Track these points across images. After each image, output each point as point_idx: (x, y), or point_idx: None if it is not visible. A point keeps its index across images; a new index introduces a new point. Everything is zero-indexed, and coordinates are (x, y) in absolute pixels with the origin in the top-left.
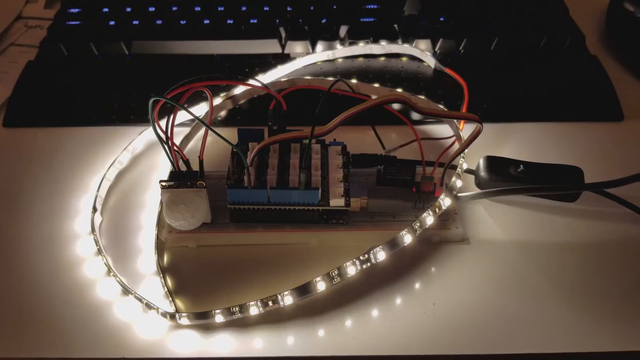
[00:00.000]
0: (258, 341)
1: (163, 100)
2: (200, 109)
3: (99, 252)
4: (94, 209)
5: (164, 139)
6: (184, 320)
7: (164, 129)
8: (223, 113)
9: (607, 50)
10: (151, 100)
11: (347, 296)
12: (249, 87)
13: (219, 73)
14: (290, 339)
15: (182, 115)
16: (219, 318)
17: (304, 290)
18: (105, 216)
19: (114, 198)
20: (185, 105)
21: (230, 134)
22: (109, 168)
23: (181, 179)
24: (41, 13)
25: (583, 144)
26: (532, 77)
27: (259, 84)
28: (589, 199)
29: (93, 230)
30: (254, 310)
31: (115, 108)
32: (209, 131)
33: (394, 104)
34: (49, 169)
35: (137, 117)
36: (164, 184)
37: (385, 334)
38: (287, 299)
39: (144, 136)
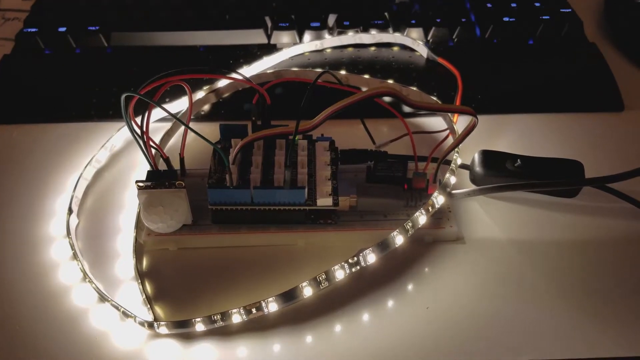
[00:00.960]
0: (242, 350)
1: (137, 97)
2: (182, 103)
3: (74, 256)
4: (70, 211)
5: (140, 137)
6: (163, 329)
7: (140, 125)
8: (206, 107)
9: (606, 37)
10: (123, 97)
11: (336, 301)
12: (232, 81)
13: (202, 65)
14: (276, 347)
15: (161, 111)
16: (200, 327)
17: (289, 296)
18: (82, 218)
19: (91, 198)
20: (167, 100)
21: (214, 129)
22: (85, 167)
23: (159, 178)
24: (19, 5)
25: (582, 136)
26: (528, 66)
27: (240, 77)
28: (590, 194)
29: (68, 233)
30: (237, 318)
31: (93, 103)
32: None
33: (387, 97)
34: (23, 168)
35: (116, 112)
36: (140, 184)
37: (376, 341)
38: (272, 306)
39: (123, 133)
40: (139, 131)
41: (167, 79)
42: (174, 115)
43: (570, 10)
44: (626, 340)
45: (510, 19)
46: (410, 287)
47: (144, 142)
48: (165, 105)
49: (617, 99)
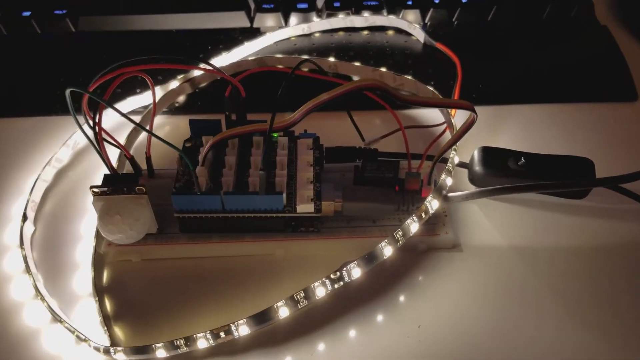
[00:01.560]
0: None
1: (87, 95)
2: (150, 96)
3: (27, 269)
4: (24, 217)
5: (92, 137)
6: (120, 356)
7: (94, 122)
8: (181, 98)
9: (619, 19)
10: (68, 92)
11: (316, 319)
12: (202, 71)
13: (176, 52)
14: None
15: (130, 102)
16: (161, 353)
17: (262, 318)
18: (40, 225)
19: (50, 203)
20: (138, 91)
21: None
22: (44, 167)
23: (117, 183)
24: None
25: (592, 129)
26: (534, 52)
27: (209, 67)
28: (600, 194)
29: (22, 243)
30: (203, 343)
31: (57, 95)
32: (157, 119)
33: (371, 90)
34: None
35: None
36: (95, 190)
37: None
38: (243, 329)
39: (88, 128)
40: (93, 130)
41: (123, 70)
42: (125, 116)
43: None
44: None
45: (515, 1)
46: (401, 300)
47: (98, 142)
48: (134, 97)
49: (630, 88)
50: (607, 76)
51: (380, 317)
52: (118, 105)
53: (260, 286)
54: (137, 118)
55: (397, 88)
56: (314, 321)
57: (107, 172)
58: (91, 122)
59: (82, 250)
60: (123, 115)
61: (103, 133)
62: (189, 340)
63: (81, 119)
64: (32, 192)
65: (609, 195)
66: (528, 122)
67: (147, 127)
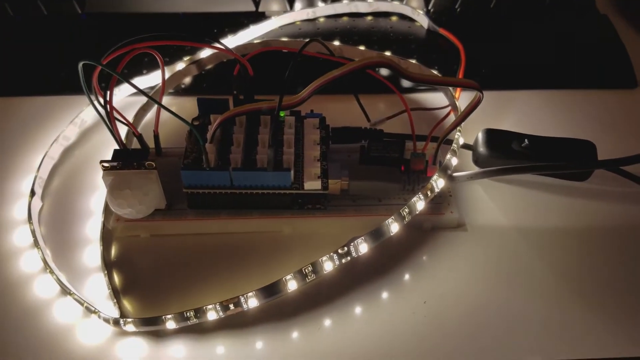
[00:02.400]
0: (219, 349)
1: (99, 68)
2: (158, 75)
3: (35, 243)
4: (32, 193)
5: (103, 112)
6: (130, 327)
7: (105, 98)
8: (187, 80)
9: (619, 8)
10: (81, 65)
11: (324, 294)
12: (215, 51)
13: (180, 32)
14: (258, 345)
15: (137, 83)
16: (171, 324)
17: (271, 290)
18: (47, 201)
19: (58, 180)
20: (144, 72)
21: (195, 103)
22: (52, 144)
23: (127, 158)
24: None
25: (594, 114)
26: (536, 39)
27: (221, 46)
28: (602, 177)
29: (30, 218)
30: (212, 314)
31: (63, 75)
32: (165, 100)
33: (380, 68)
34: None
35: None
36: (105, 164)
37: (368, 339)
38: (252, 302)
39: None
40: (101, 107)
41: (134, 46)
42: (138, 88)
43: None
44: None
45: None
46: (406, 278)
47: (109, 118)
48: (141, 77)
49: (630, 75)
50: (608, 64)
51: (386, 293)
52: (126, 85)
53: (268, 262)
54: (144, 98)
55: (405, 67)
56: (321, 297)
57: (116, 148)
58: (101, 99)
59: (90, 226)
60: (136, 88)
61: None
62: (199, 312)
63: (84, 98)
64: (40, 169)
65: (611, 178)
66: (530, 107)
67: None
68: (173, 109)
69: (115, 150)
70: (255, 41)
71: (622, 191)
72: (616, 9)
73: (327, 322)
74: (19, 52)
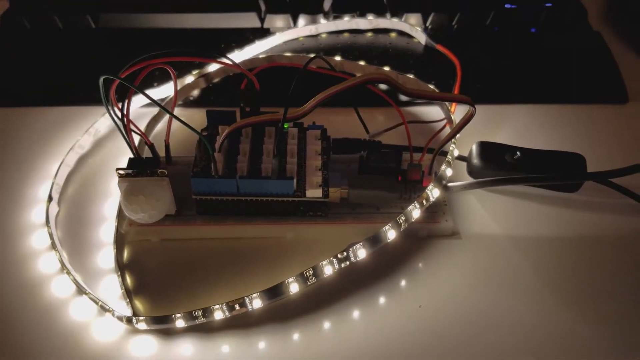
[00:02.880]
0: (224, 348)
1: (117, 81)
2: (170, 88)
3: (53, 246)
4: (50, 198)
5: (120, 123)
6: (142, 325)
7: (122, 110)
8: (195, 92)
9: (611, 26)
10: (102, 79)
11: (324, 297)
12: (222, 65)
13: (191, 48)
14: (261, 345)
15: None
16: (180, 323)
17: (274, 292)
18: (63, 206)
19: (73, 186)
20: (155, 84)
21: (203, 115)
22: (68, 152)
23: (141, 166)
24: None
25: (585, 129)
26: (530, 55)
27: (228, 61)
28: (592, 189)
29: (47, 221)
30: (219, 314)
31: (78, 86)
32: (177, 111)
33: (380, 83)
34: (4, 154)
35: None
36: (121, 172)
37: (366, 341)
38: (256, 302)
39: (108, 117)
40: (120, 116)
41: (150, 62)
42: (155, 101)
43: None
44: (631, 342)
45: (512, 6)
46: (402, 283)
47: (125, 128)
48: (151, 90)
49: (621, 91)
50: (600, 79)
51: (383, 297)
52: (138, 97)
53: (271, 266)
54: (154, 109)
55: (402, 83)
56: (321, 300)
57: (127, 157)
58: (117, 110)
59: (103, 231)
60: (153, 101)
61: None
62: (207, 312)
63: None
64: (57, 176)
65: (600, 189)
66: (524, 121)
67: (169, 115)
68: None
69: (130, 159)
70: (260, 56)
71: (611, 202)
72: (608, 26)
73: (327, 324)
74: (36, 65)
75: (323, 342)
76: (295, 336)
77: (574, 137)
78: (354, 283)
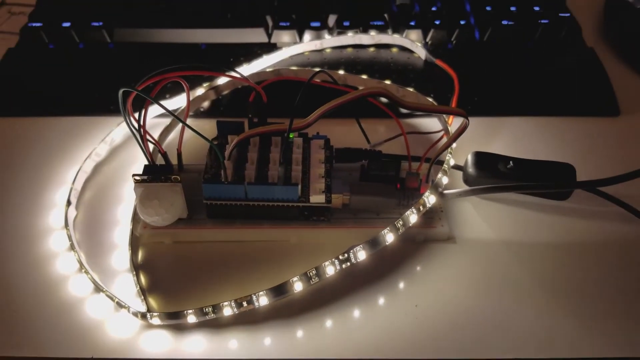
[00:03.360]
0: (233, 342)
1: (134, 93)
2: (181, 100)
3: (72, 247)
4: (68, 202)
5: (137, 132)
6: (156, 320)
7: (138, 120)
8: (205, 104)
9: (605, 42)
10: (121, 92)
11: (326, 296)
12: (230, 78)
13: (202, 62)
14: (267, 341)
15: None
16: (192, 318)
17: (280, 290)
18: (80, 210)
19: (90, 191)
20: (167, 96)
21: (212, 125)
22: (85, 160)
23: (155, 173)
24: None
25: (577, 140)
26: (525, 69)
27: (238, 75)
28: (581, 197)
29: (66, 224)
30: (228, 310)
31: (94, 98)
32: (189, 122)
33: (377, 96)
34: (25, 161)
35: (116, 107)
36: (137, 177)
37: (365, 336)
38: (263, 300)
39: (123, 127)
40: (137, 126)
41: (165, 75)
42: (170, 112)
43: (569, 15)
44: (616, 340)
45: (509, 23)
46: (400, 285)
47: (142, 137)
48: (164, 102)
49: (613, 104)
50: (592, 93)
51: (381, 297)
52: (151, 108)
53: (276, 268)
54: (167, 120)
55: (401, 96)
56: (324, 298)
57: (140, 165)
58: (133, 120)
59: (118, 233)
60: (167, 110)
61: (142, 130)
62: (216, 308)
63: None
64: (75, 181)
65: (589, 198)
66: (518, 132)
67: (182, 125)
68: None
69: (145, 166)
70: (267, 69)
71: (599, 210)
72: (601, 42)
73: (329, 321)
74: (54, 77)
75: (324, 337)
76: (299, 333)
77: (566, 148)
78: (355, 284)
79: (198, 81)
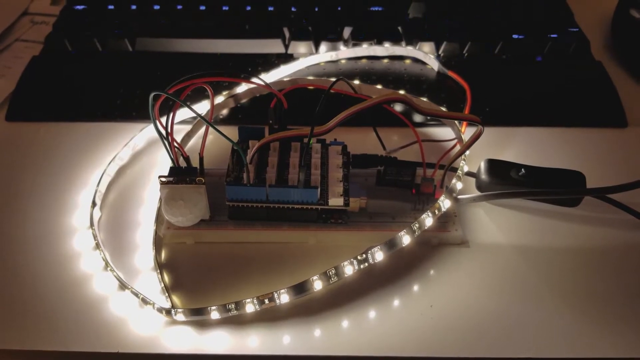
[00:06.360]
0: (254, 339)
1: (164, 96)
2: (202, 107)
3: (97, 246)
4: (93, 204)
5: (164, 135)
6: (180, 316)
7: (165, 124)
8: (225, 111)
9: (612, 56)
10: (152, 95)
11: (344, 296)
12: (251, 86)
13: (227, 70)
14: (286, 338)
15: (183, 113)
16: (215, 315)
17: (300, 288)
18: (105, 211)
19: (113, 193)
20: (188, 103)
21: (232, 132)
22: (109, 163)
23: (180, 174)
24: (47, 9)
25: (586, 150)
26: (535, 81)
27: (261, 82)
28: (591, 204)
29: (92, 224)
30: (250, 307)
31: (117, 104)
32: (210, 129)
33: (396, 105)
34: (50, 164)
35: (138, 113)
36: (163, 179)
37: (381, 335)
38: (284, 297)
39: (145, 133)
40: (162, 130)
41: (192, 81)
42: (199, 114)
43: (577, 29)
44: (625, 341)
45: (520, 37)
46: (415, 286)
47: (168, 140)
48: (185, 109)
49: (620, 116)
50: (601, 105)
51: (398, 297)
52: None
53: (295, 268)
54: (188, 126)
55: (417, 103)
56: (342, 297)
57: (161, 169)
58: (159, 125)
59: (142, 234)
60: (195, 112)
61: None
62: (239, 305)
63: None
64: (99, 184)
65: (599, 205)
66: (529, 142)
67: (206, 128)
68: (212, 136)
69: (170, 168)
70: (285, 79)
71: (609, 217)
72: (609, 56)
73: (346, 319)
74: (79, 83)
75: (342, 336)
76: (317, 331)
77: (575, 157)
78: (372, 284)
79: (218, 90)
